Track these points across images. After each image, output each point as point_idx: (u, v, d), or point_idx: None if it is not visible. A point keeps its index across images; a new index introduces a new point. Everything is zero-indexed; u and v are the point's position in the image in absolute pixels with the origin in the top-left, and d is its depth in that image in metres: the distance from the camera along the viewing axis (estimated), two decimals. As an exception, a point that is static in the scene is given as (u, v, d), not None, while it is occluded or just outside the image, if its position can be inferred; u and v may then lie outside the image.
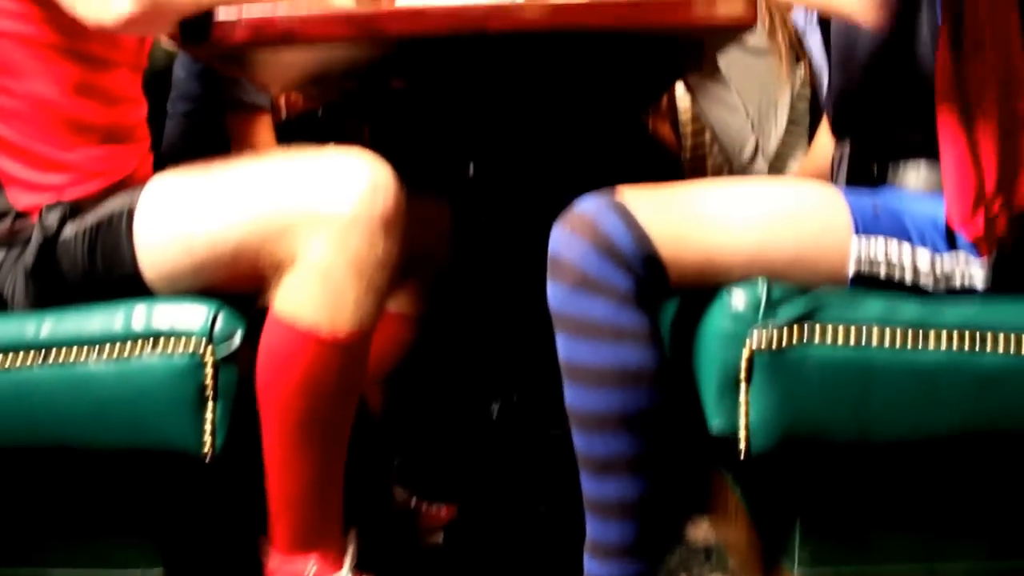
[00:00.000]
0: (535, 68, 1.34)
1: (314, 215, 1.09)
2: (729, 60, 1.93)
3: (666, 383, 1.09)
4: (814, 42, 1.35)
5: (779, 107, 1.91)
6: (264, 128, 1.86)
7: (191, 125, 1.88)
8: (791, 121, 1.92)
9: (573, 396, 1.09)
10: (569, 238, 1.07)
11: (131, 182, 1.30)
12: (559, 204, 1.12)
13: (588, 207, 1.09)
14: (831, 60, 1.29)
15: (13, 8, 1.18)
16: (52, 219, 1.20)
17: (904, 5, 1.11)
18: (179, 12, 1.06)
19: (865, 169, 1.21)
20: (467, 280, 1.55)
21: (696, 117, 2.12)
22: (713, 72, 1.99)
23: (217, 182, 1.18)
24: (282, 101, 2.02)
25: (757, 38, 1.94)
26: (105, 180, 1.27)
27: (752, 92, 1.98)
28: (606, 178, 1.64)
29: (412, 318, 1.54)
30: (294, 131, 1.94)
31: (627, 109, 1.88)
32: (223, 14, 1.10)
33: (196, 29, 1.09)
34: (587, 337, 1.06)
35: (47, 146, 1.23)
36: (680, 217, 1.09)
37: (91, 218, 1.20)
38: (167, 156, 1.79)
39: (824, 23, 1.31)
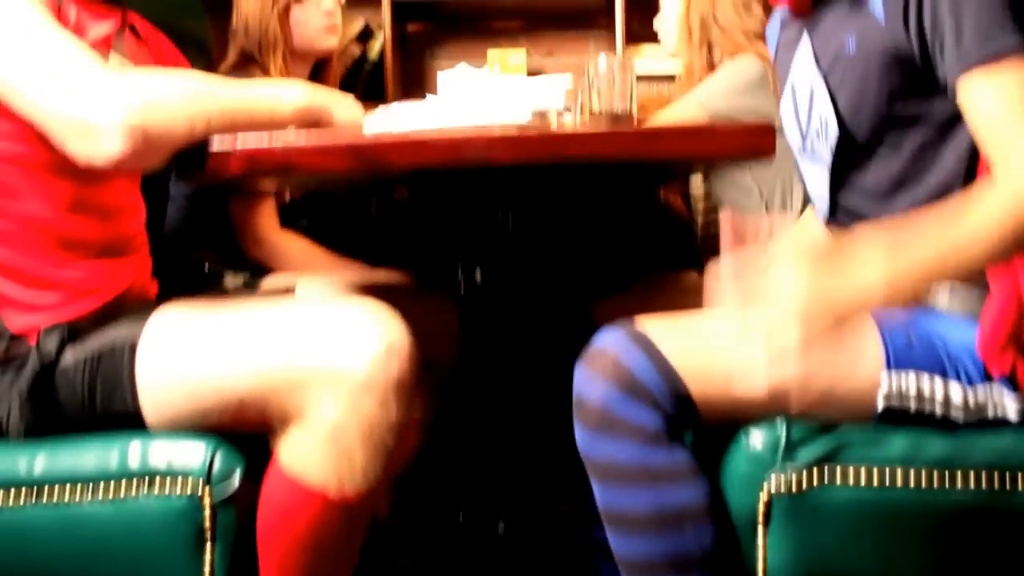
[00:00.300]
0: (543, 181, 1.30)
1: (327, 373, 1.06)
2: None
3: (714, 516, 1.03)
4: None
5: (795, 189, 1.86)
6: (267, 212, 1.83)
7: (194, 208, 1.85)
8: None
9: (617, 544, 1.04)
10: (591, 377, 1.02)
11: (130, 295, 1.27)
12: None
13: (609, 341, 1.04)
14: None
15: (6, 129, 1.15)
16: (50, 344, 1.16)
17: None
18: (172, 146, 1.03)
19: None
20: (475, 384, 1.51)
21: (708, 195, 2.08)
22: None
23: (226, 325, 1.15)
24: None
25: (765, 115, 1.90)
26: (102, 296, 1.24)
27: (766, 173, 1.94)
28: (619, 252, 1.61)
29: (419, 423, 1.50)
30: (298, 214, 1.91)
31: (636, 197, 1.84)
32: (217, 144, 1.06)
33: (190, 161, 1.06)
34: (620, 482, 1.01)
35: (42, 265, 1.20)
36: (705, 349, 1.04)
37: (92, 344, 1.17)
38: (170, 240, 1.77)
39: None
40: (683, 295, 1.42)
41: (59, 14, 1.16)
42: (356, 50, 2.81)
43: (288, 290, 1.62)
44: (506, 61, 2.85)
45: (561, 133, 1.04)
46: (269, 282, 1.77)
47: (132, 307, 1.27)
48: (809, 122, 1.21)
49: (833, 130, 1.15)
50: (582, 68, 2.96)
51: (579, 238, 1.69)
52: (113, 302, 1.24)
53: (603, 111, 1.51)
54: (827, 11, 1.16)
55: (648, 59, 2.71)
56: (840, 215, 1.22)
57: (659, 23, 2.16)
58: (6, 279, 1.20)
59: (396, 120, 1.19)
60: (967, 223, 0.95)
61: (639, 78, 2.78)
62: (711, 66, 1.99)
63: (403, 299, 1.50)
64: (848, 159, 1.17)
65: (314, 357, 1.08)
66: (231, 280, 1.84)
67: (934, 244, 0.96)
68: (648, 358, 1.01)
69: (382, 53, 2.72)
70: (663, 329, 1.05)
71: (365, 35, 2.83)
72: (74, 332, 1.18)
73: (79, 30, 1.23)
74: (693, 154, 1.03)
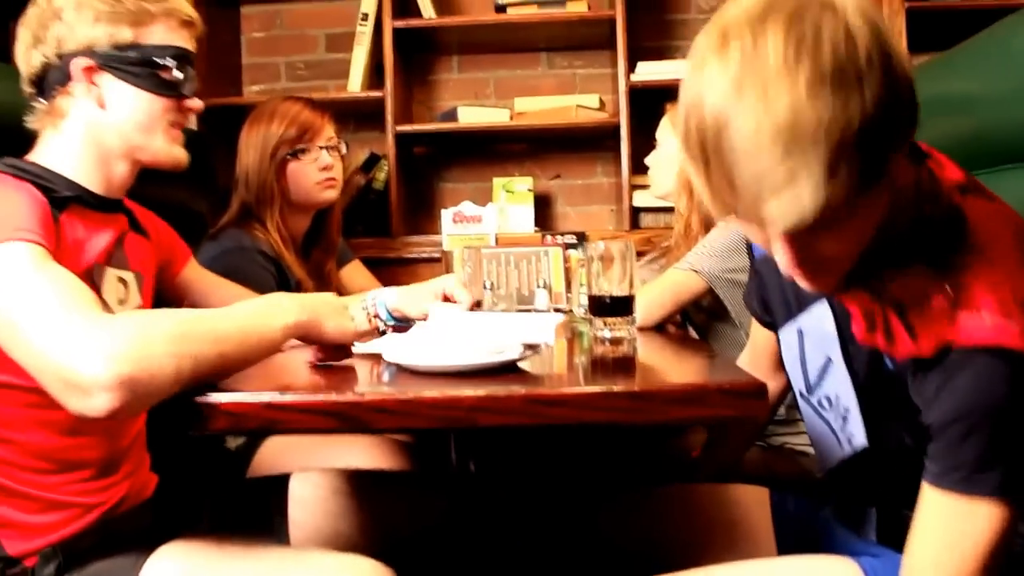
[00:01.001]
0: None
1: None
2: (737, 301, 1.87)
3: None
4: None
5: None
6: None
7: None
8: None
9: None
10: None
11: (128, 500, 1.30)
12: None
13: None
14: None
15: (3, 362, 1.14)
16: (49, 570, 1.17)
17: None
18: (162, 393, 1.00)
19: (897, 523, 1.12)
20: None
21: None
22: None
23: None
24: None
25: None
26: (100, 510, 1.25)
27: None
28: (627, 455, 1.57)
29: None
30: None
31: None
32: (202, 396, 1.04)
33: (175, 411, 1.04)
34: None
35: (41, 488, 1.20)
36: None
37: (90, 572, 1.17)
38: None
39: None
40: (694, 505, 1.39)
41: (58, 237, 1.16)
42: (360, 179, 2.83)
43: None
44: (512, 188, 2.85)
45: (547, 394, 1.01)
46: (270, 443, 1.75)
47: (130, 519, 1.28)
48: (819, 385, 1.15)
49: (859, 439, 1.11)
50: (589, 192, 3.01)
51: (584, 441, 1.65)
52: (111, 513, 1.26)
53: (603, 296, 1.51)
54: None
55: (653, 187, 2.71)
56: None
57: (652, 163, 2.11)
58: (5, 504, 1.19)
59: (386, 348, 1.18)
60: None
61: (643, 209, 2.78)
62: (707, 225, 1.97)
63: (398, 498, 1.49)
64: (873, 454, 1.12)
65: None
66: (232, 440, 1.83)
67: None
68: None
69: (387, 182, 2.72)
70: None
71: (370, 164, 2.84)
72: (71, 558, 1.18)
73: (77, 248, 1.23)
74: (684, 417, 1.01)
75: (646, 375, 1.23)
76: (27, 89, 1.30)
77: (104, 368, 0.93)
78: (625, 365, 1.29)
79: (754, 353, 1.47)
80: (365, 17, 2.72)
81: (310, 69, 3.05)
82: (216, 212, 2.10)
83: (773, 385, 1.43)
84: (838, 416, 1.13)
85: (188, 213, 2.05)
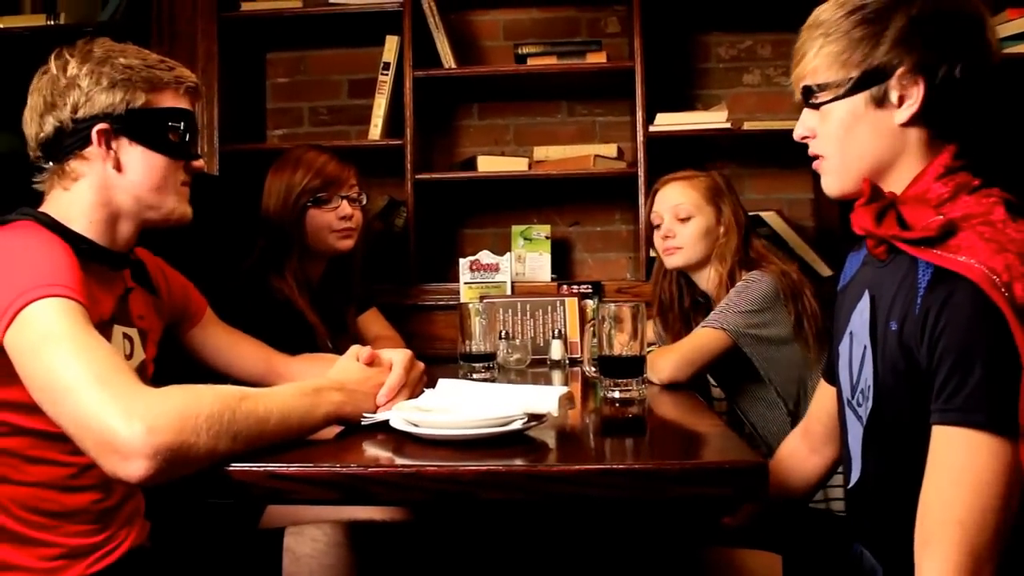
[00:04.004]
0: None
1: None
2: (764, 358, 1.88)
3: None
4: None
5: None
6: None
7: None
8: None
9: None
10: None
11: (122, 548, 1.34)
12: None
13: None
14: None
15: (14, 400, 1.16)
16: None
17: None
18: (196, 466, 1.01)
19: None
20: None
21: (730, 410, 2.06)
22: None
23: None
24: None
25: (781, 328, 1.89)
26: (98, 561, 1.30)
27: (790, 385, 1.92)
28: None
29: None
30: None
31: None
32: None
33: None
34: None
35: (43, 531, 1.24)
36: None
37: None
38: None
39: None
40: (703, 570, 1.38)
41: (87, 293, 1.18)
42: (379, 226, 2.85)
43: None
44: (530, 236, 2.87)
45: (546, 471, 1.02)
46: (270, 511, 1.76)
47: (127, 566, 1.32)
48: (859, 378, 1.20)
49: (870, 403, 1.15)
50: (607, 238, 3.02)
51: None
52: (107, 559, 1.31)
53: (614, 356, 1.51)
54: (892, 277, 1.15)
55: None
56: (869, 482, 1.20)
57: (684, 239, 2.07)
58: (6, 543, 1.22)
59: (394, 415, 1.19)
60: None
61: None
62: (728, 280, 1.99)
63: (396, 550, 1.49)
64: (878, 431, 1.16)
65: None
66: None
67: None
68: None
69: (406, 227, 2.75)
70: None
71: (388, 211, 2.87)
72: None
73: (92, 303, 1.24)
74: (683, 495, 1.01)
75: (649, 450, 1.23)
76: (34, 152, 1.35)
77: (146, 437, 0.95)
78: (629, 436, 1.29)
79: (808, 423, 1.51)
80: (387, 66, 2.76)
81: (332, 114, 3.09)
82: (236, 255, 2.13)
83: (818, 460, 1.44)
84: (866, 408, 1.17)
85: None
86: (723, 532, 1.54)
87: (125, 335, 1.38)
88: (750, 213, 2.23)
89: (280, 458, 1.06)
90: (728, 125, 2.67)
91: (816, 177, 1.25)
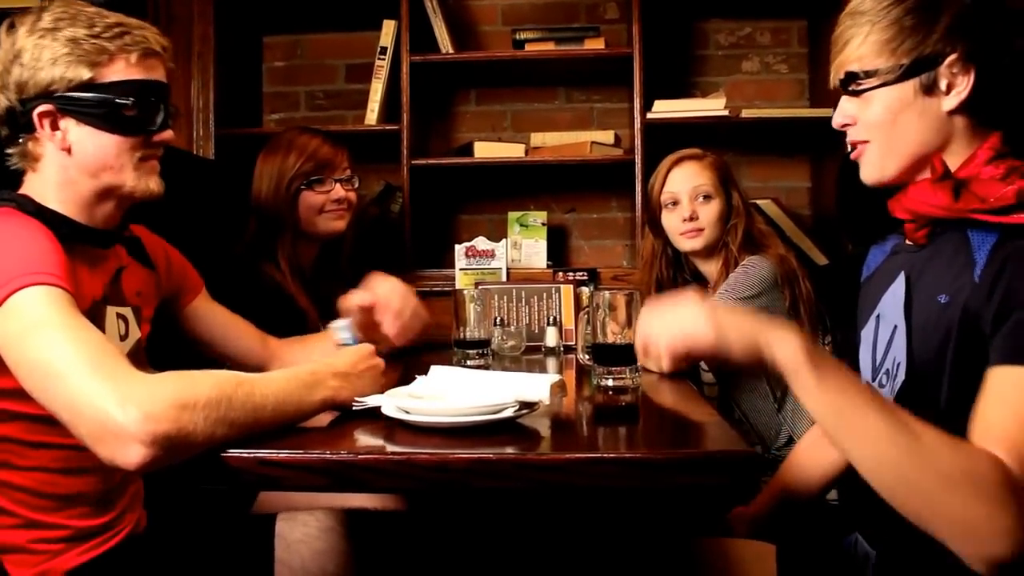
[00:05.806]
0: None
1: None
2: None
3: None
4: None
5: None
6: None
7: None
8: None
9: None
10: None
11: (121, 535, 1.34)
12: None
13: None
14: None
15: (13, 387, 1.15)
16: None
17: None
18: (194, 451, 1.01)
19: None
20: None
21: (721, 397, 2.05)
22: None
23: None
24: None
25: (776, 313, 1.88)
26: (99, 546, 1.31)
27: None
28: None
29: None
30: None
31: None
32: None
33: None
34: None
35: (46, 515, 1.25)
36: None
37: None
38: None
39: None
40: (694, 560, 1.38)
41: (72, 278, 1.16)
42: (374, 211, 2.84)
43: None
44: (526, 222, 2.86)
45: (537, 459, 1.02)
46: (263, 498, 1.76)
47: (125, 552, 1.33)
48: (884, 358, 1.20)
49: (901, 376, 1.15)
50: (603, 225, 3.01)
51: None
52: (106, 544, 1.32)
53: (608, 344, 1.51)
54: (935, 257, 1.16)
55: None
56: None
57: (706, 218, 2.05)
58: (9, 527, 1.23)
59: (386, 402, 1.19)
60: (933, 435, 0.95)
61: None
62: (731, 264, 1.99)
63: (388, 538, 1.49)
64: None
65: None
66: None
67: (879, 405, 0.97)
68: None
69: (402, 213, 2.74)
70: None
71: (384, 196, 2.86)
72: None
73: (80, 286, 1.24)
74: (674, 484, 1.01)
75: (640, 439, 1.23)
76: (2, 131, 1.29)
77: (142, 423, 0.94)
78: (621, 425, 1.29)
79: None
80: (383, 51, 2.74)
81: (329, 99, 3.08)
82: (232, 239, 2.12)
83: (836, 457, 1.43)
84: (891, 387, 1.17)
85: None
86: (721, 522, 1.54)
87: (119, 315, 1.36)
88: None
89: (271, 444, 1.05)
90: (726, 112, 2.66)
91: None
